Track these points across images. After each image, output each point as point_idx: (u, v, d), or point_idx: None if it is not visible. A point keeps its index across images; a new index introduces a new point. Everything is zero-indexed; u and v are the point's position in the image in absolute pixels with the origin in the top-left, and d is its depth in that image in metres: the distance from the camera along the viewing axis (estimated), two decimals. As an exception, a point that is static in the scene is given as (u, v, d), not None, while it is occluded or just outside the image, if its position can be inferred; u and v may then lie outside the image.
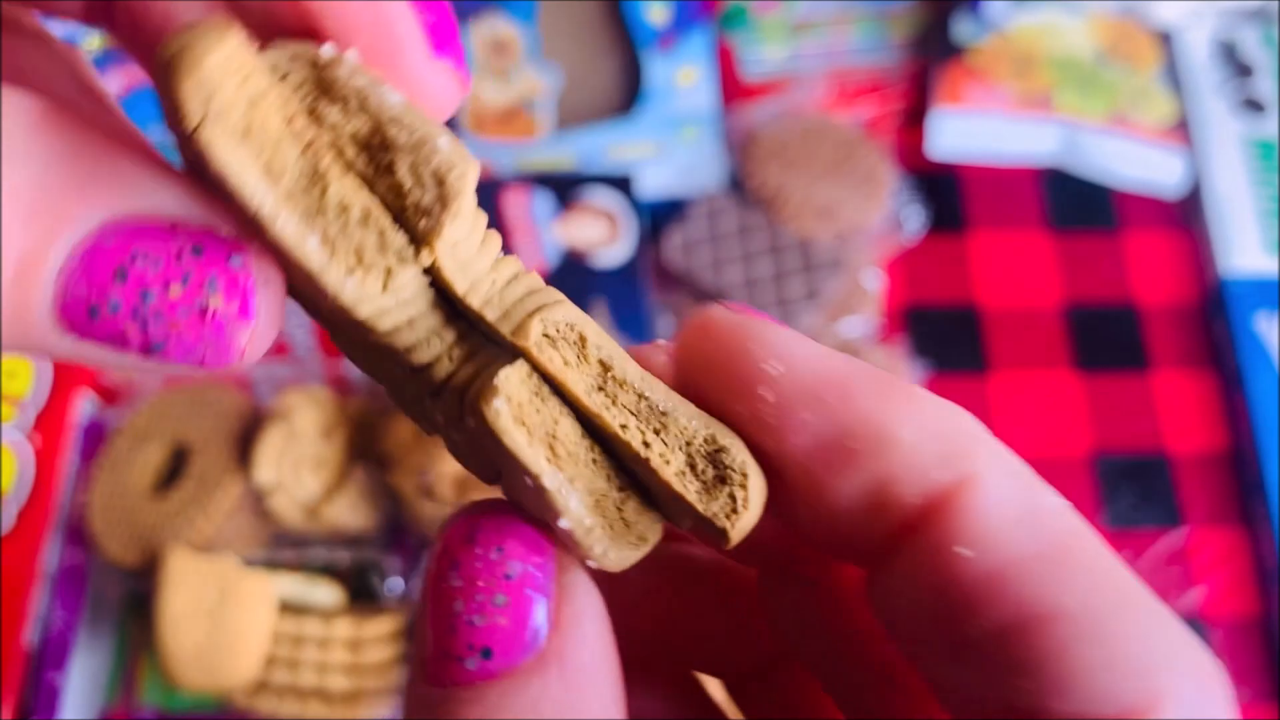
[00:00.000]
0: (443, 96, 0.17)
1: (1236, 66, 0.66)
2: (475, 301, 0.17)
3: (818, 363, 0.17)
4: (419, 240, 0.16)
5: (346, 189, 0.16)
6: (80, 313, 0.14)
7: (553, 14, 0.65)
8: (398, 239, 0.16)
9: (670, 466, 0.17)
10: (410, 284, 0.16)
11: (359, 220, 0.16)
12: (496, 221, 0.59)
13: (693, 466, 0.17)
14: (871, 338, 0.59)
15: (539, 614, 0.16)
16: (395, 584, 0.52)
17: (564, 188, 0.61)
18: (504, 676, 0.16)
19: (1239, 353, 0.58)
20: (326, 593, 0.51)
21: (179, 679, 0.48)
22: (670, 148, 0.62)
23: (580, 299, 0.43)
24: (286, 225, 0.15)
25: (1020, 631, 0.15)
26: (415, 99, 0.17)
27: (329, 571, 0.53)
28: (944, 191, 0.64)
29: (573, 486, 0.17)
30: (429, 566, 0.17)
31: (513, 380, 0.17)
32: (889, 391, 0.16)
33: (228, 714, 0.50)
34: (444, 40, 0.17)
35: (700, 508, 0.17)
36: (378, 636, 0.50)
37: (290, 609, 0.50)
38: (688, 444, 0.17)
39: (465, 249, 0.17)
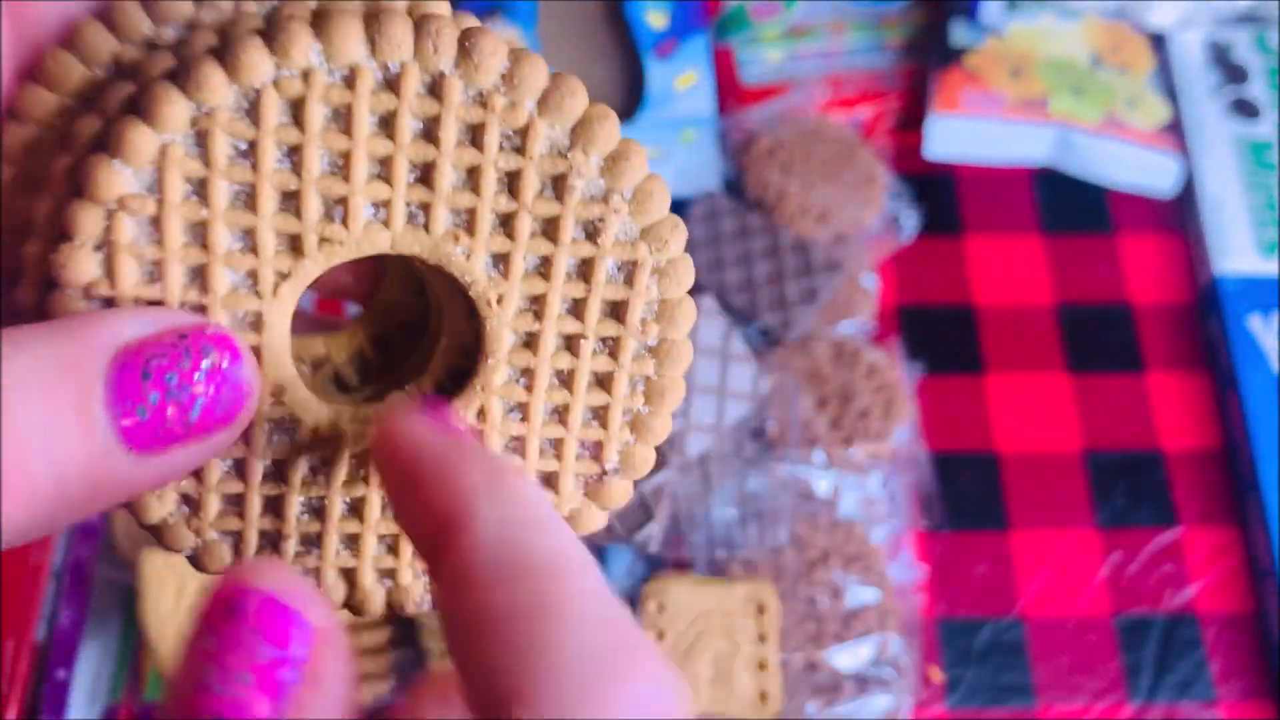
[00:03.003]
0: None
1: (1229, 70, 0.67)
2: None
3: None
4: None
5: None
6: (134, 423, 0.17)
7: (553, 18, 0.66)
8: None
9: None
10: None
11: None
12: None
13: None
14: (867, 338, 0.59)
15: (282, 699, 0.17)
16: None
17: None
18: None
19: (1233, 353, 0.59)
20: None
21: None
22: (669, 150, 0.63)
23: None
24: None
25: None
26: None
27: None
28: (940, 193, 0.64)
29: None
30: (194, 617, 0.18)
31: None
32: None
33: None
34: None
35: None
36: (373, 620, 0.50)
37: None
38: None
39: None
